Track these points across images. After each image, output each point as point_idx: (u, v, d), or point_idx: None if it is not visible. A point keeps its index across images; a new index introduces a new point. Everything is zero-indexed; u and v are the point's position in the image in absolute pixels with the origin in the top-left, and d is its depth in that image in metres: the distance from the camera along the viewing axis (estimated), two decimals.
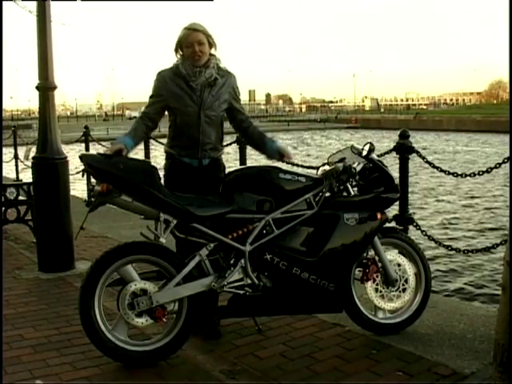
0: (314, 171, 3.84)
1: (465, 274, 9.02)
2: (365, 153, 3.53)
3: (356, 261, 3.53)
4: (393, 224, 4.65)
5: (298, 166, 5.98)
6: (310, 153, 32.59)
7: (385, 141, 37.08)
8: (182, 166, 3.59)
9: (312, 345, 3.50)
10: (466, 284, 8.58)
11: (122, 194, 3.15)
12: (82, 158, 3.19)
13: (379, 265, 3.59)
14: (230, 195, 3.36)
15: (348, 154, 3.60)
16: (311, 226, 3.42)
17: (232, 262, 3.32)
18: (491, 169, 4.71)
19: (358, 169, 3.55)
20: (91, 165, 3.16)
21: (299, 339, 3.59)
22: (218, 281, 3.27)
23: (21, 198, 6.57)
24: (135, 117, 4.01)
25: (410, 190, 5.06)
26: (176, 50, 3.58)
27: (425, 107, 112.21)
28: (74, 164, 8.01)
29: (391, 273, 3.62)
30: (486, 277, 8.82)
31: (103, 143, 10.22)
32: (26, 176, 11.09)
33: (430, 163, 5.00)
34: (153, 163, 3.34)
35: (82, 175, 3.81)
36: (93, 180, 3.29)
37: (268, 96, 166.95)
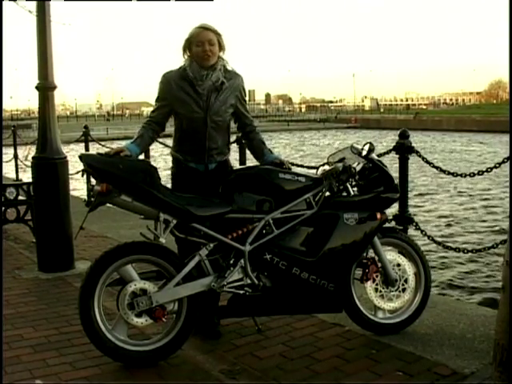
0: (314, 171, 3.83)
1: (465, 274, 9.02)
2: (364, 153, 3.53)
3: (356, 261, 3.53)
4: (392, 224, 4.65)
5: (297, 165, 5.98)
6: (309, 152, 32.62)
7: (381, 141, 37.05)
8: (188, 170, 3.57)
9: (312, 345, 3.50)
10: (465, 284, 8.58)
11: (122, 193, 3.15)
12: (81, 157, 3.19)
13: (379, 265, 3.59)
14: (229, 195, 3.36)
15: (348, 154, 3.60)
16: (311, 225, 3.42)
17: (232, 261, 3.32)
18: (491, 169, 4.71)
19: (358, 169, 3.55)
20: (91, 165, 3.16)
21: (299, 339, 3.59)
22: (217, 281, 3.27)
23: (20, 197, 6.57)
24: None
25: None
26: (184, 49, 3.51)
27: (424, 107, 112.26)
28: (74, 164, 8.00)
29: (391, 273, 3.62)
30: (485, 276, 8.83)
31: (103, 143, 10.23)
32: (26, 176, 11.09)
33: (429, 163, 5.00)
34: (152, 163, 3.34)
35: (82, 175, 3.82)
36: (93, 180, 3.29)
37: (268, 96, 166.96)
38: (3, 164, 9.91)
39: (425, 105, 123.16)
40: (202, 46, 3.42)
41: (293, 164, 5.71)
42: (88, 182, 9.08)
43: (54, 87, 5.26)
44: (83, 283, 3.17)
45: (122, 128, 52.40)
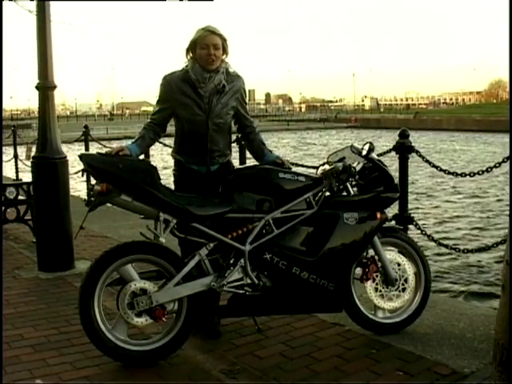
0: (314, 170, 3.83)
1: (464, 274, 9.01)
2: (364, 152, 3.53)
3: (356, 260, 3.53)
4: (392, 223, 4.65)
5: (297, 165, 5.98)
6: (309, 152, 32.63)
7: (380, 140, 37.05)
8: (190, 172, 3.58)
9: (312, 344, 3.50)
10: (465, 283, 8.58)
11: (122, 193, 3.15)
12: (81, 157, 3.19)
13: (379, 264, 3.59)
14: (229, 195, 3.36)
15: (348, 154, 3.60)
16: (311, 225, 3.42)
17: (232, 261, 3.32)
18: (491, 168, 4.71)
19: (358, 168, 3.55)
20: (91, 164, 3.15)
21: (299, 339, 3.59)
22: (217, 280, 3.27)
23: (20, 197, 6.58)
24: None
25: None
26: (188, 50, 3.50)
27: (424, 107, 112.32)
28: (74, 164, 8.00)
29: (391, 272, 3.62)
30: (485, 276, 8.82)
31: (103, 142, 10.22)
32: (25, 176, 11.09)
33: (429, 162, 5.01)
34: (152, 163, 3.34)
35: (82, 175, 3.82)
36: (93, 180, 3.29)
37: (268, 95, 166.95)
38: (3, 163, 9.91)
39: (425, 104, 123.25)
40: (207, 49, 3.41)
41: (293, 164, 5.72)
42: (88, 181, 9.08)
43: (54, 87, 5.26)
44: (83, 283, 3.17)
45: (122, 128, 52.43)
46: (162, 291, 3.19)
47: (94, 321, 3.15)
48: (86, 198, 9.51)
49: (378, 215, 3.48)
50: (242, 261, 3.30)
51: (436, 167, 5.00)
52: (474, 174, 4.83)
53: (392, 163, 4.95)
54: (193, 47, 3.48)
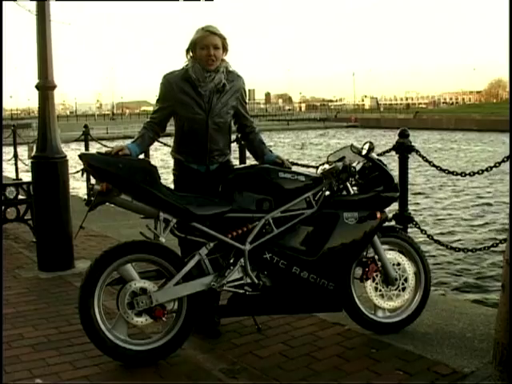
0: (314, 170, 3.83)
1: (464, 273, 9.02)
2: (364, 152, 3.53)
3: (356, 260, 3.53)
4: (392, 223, 4.64)
5: (297, 164, 5.98)
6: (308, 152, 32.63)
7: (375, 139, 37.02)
8: (190, 171, 3.58)
9: (312, 344, 3.50)
10: (465, 283, 8.59)
11: (122, 193, 3.15)
12: (81, 157, 3.19)
13: (379, 264, 3.59)
14: (229, 194, 3.36)
15: (348, 153, 3.60)
16: (311, 225, 3.42)
17: (232, 261, 3.32)
18: (491, 167, 4.71)
19: (358, 168, 3.55)
20: (91, 164, 3.15)
21: (299, 338, 3.59)
22: (217, 280, 3.27)
23: (20, 197, 6.58)
24: None
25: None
26: (188, 50, 3.50)
27: (424, 106, 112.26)
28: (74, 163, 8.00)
29: (391, 272, 3.61)
30: (485, 276, 8.83)
31: (103, 142, 10.21)
32: (25, 175, 11.08)
33: (429, 162, 5.00)
34: (152, 162, 3.34)
35: (82, 174, 3.82)
36: (92, 179, 3.28)
37: (267, 95, 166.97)
38: (3, 163, 9.90)
39: (425, 104, 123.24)
40: (207, 49, 3.41)
41: (293, 163, 5.71)
42: (88, 181, 9.07)
43: (54, 86, 5.25)
44: (83, 282, 3.17)
45: (122, 127, 52.45)
46: (161, 291, 3.19)
47: (94, 320, 3.15)
48: (86, 197, 9.51)
49: (378, 215, 3.48)
50: (242, 260, 3.30)
51: (436, 167, 5.00)
52: (474, 174, 4.83)
53: (389, 162, 4.95)
54: (193, 47, 3.48)
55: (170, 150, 3.77)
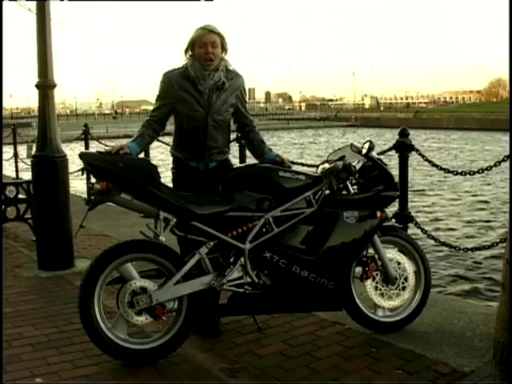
0: (314, 169, 3.83)
1: (464, 272, 9.02)
2: (364, 151, 3.53)
3: (356, 259, 3.53)
4: (392, 222, 4.64)
5: (297, 164, 5.98)
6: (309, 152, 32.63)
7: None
8: (188, 169, 3.58)
9: (312, 343, 3.50)
10: (465, 282, 8.58)
11: (122, 192, 3.15)
12: (81, 156, 3.19)
13: (379, 263, 3.59)
14: (229, 193, 3.36)
15: (348, 152, 3.60)
16: (311, 224, 3.42)
17: (232, 260, 3.32)
18: (490, 167, 4.71)
19: (358, 167, 3.54)
20: (91, 163, 3.15)
21: (299, 337, 3.59)
22: (217, 279, 3.27)
23: (20, 196, 6.59)
24: None
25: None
26: (187, 50, 3.51)
27: (424, 105, 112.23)
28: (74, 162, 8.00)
29: (391, 271, 3.62)
30: (485, 275, 8.83)
31: (103, 141, 10.21)
32: (25, 174, 11.08)
33: (429, 161, 5.00)
34: (152, 161, 3.33)
35: (82, 173, 3.81)
36: (93, 178, 3.28)
37: (268, 94, 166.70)
38: (3, 162, 9.90)
39: (425, 103, 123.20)
40: (205, 47, 3.42)
41: (293, 162, 5.71)
42: (88, 180, 9.07)
43: (54, 85, 5.25)
44: (83, 281, 3.17)
45: (122, 126, 52.43)
46: (161, 290, 3.19)
47: (94, 319, 3.15)
48: (86, 196, 9.51)
49: (378, 214, 3.48)
50: (242, 259, 3.30)
51: (436, 166, 5.00)
52: (474, 173, 4.83)
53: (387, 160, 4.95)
54: (191, 46, 3.49)
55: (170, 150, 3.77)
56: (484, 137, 41.77)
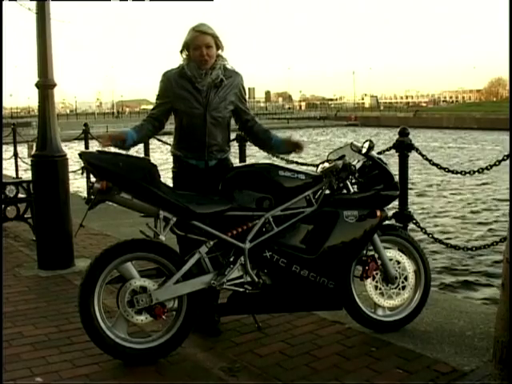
0: (314, 168, 3.83)
1: (464, 272, 9.01)
2: (364, 150, 3.53)
3: (355, 258, 3.53)
4: (392, 221, 4.64)
5: (297, 163, 5.98)
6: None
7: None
8: (188, 167, 3.58)
9: (312, 342, 3.51)
10: (465, 281, 8.58)
11: (122, 191, 3.15)
12: (81, 155, 3.19)
13: (379, 262, 3.59)
14: (229, 193, 3.36)
15: (348, 152, 3.60)
16: (311, 223, 3.42)
17: (231, 259, 3.32)
18: (490, 166, 4.71)
19: (358, 166, 3.55)
20: (91, 162, 3.15)
21: (299, 337, 3.60)
22: (217, 278, 3.27)
23: (20, 195, 6.59)
24: None
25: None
26: (182, 51, 3.54)
27: (424, 105, 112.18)
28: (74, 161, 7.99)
29: (391, 270, 3.62)
30: (485, 274, 8.83)
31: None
32: (25, 174, 11.09)
33: (429, 160, 5.00)
34: (152, 160, 3.33)
35: (82, 173, 3.81)
36: (92, 178, 3.28)
37: (267, 93, 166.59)
38: (3, 162, 9.90)
39: (425, 102, 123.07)
40: (200, 49, 3.44)
41: (292, 162, 5.72)
42: (88, 179, 9.07)
43: (54, 85, 5.25)
44: (83, 281, 3.17)
45: (122, 126, 52.36)
46: (161, 289, 3.19)
47: (94, 319, 3.15)
48: (86, 196, 9.51)
49: (378, 213, 3.48)
50: (242, 259, 3.30)
51: (436, 165, 5.00)
52: (474, 172, 4.83)
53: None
54: (186, 48, 3.52)
55: (170, 149, 3.77)
56: (484, 136, 41.77)
